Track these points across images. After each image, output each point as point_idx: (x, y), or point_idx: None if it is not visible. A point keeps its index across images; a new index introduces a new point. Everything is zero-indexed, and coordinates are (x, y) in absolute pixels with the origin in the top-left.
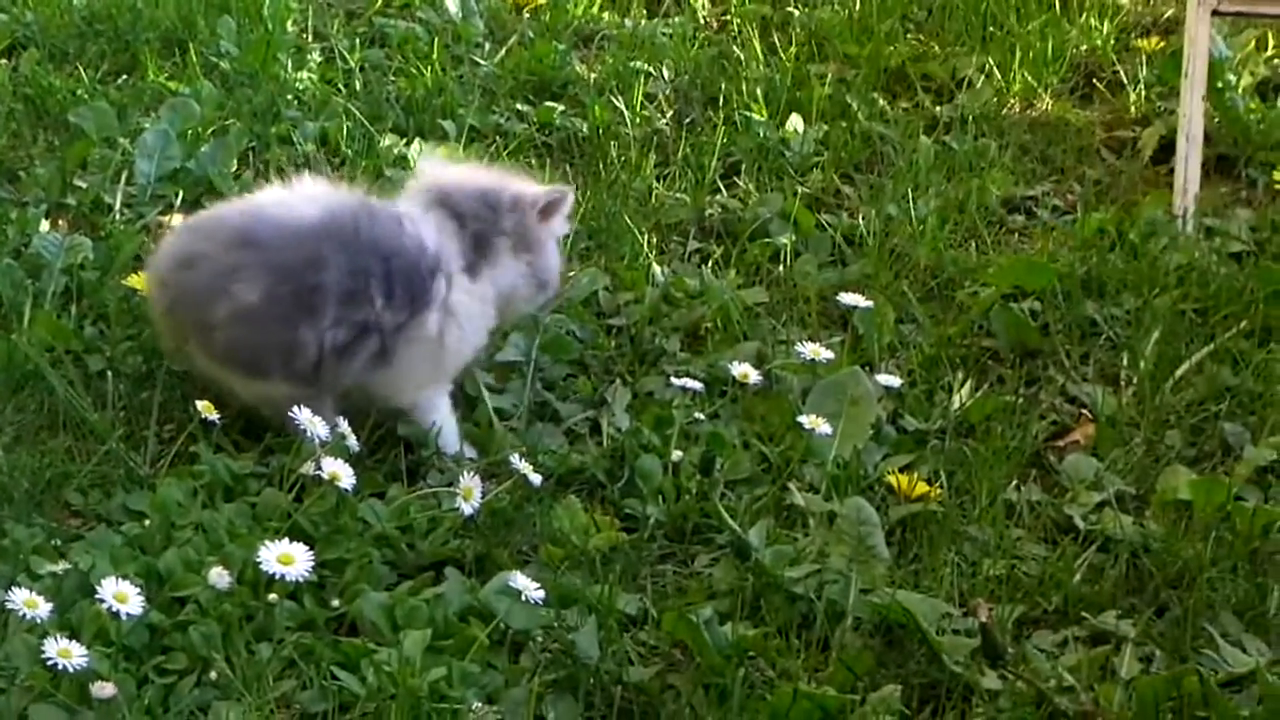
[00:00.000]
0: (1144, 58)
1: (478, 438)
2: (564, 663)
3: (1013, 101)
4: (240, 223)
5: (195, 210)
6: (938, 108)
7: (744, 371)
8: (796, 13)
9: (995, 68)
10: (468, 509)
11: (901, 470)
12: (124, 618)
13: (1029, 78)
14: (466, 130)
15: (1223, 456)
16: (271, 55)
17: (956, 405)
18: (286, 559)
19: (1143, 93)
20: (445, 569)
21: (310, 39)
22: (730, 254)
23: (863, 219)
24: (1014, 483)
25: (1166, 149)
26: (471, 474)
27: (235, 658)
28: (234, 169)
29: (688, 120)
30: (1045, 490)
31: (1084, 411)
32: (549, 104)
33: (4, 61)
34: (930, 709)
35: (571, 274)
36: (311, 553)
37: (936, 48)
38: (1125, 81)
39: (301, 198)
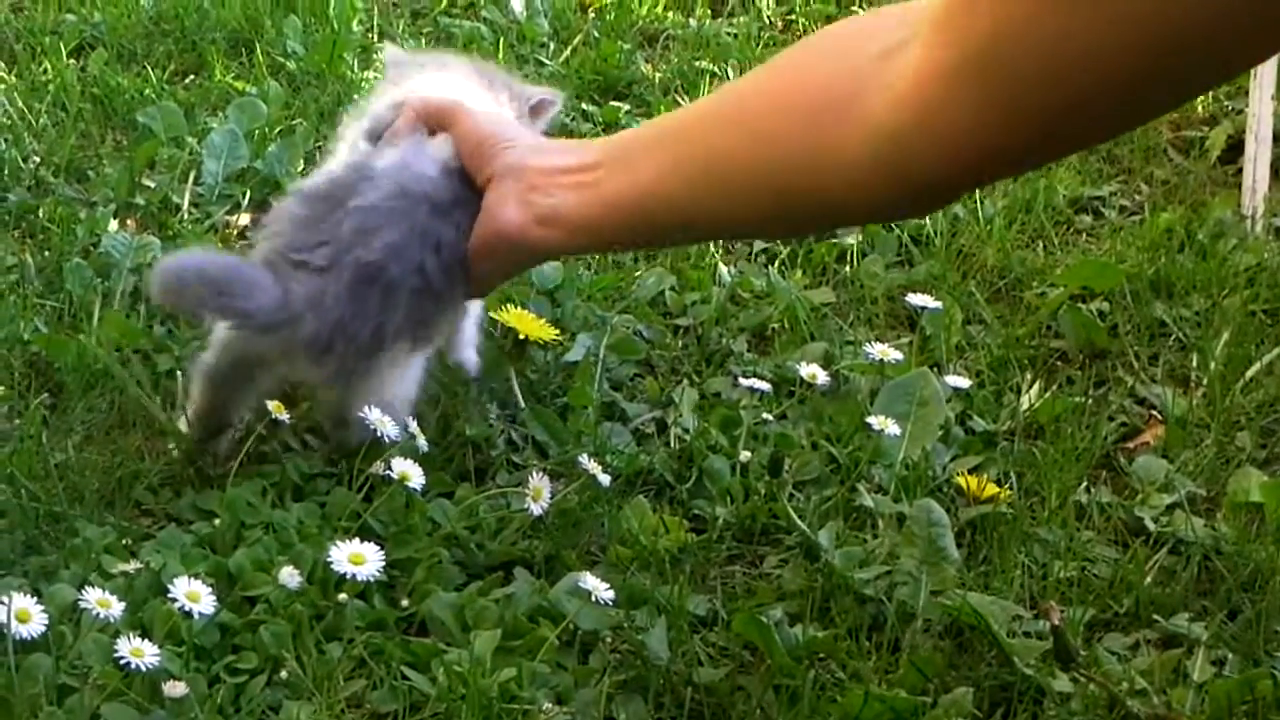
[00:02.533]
0: None
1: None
2: (634, 664)
3: None
4: None
5: (263, 210)
6: None
7: (812, 372)
8: (861, 12)
9: None
10: (536, 509)
11: (970, 471)
12: (196, 617)
13: None
14: None
15: None
16: (338, 55)
17: (1025, 406)
18: (357, 558)
19: (1210, 92)
20: (514, 569)
21: (376, 38)
22: (797, 254)
23: (929, 219)
24: (1084, 484)
25: (1234, 149)
26: (541, 474)
27: (306, 657)
28: (300, 168)
29: None
30: (1115, 492)
31: (1153, 413)
32: (614, 104)
33: (72, 62)
34: (1001, 712)
35: (637, 274)
36: (381, 552)
37: None
38: None
39: None
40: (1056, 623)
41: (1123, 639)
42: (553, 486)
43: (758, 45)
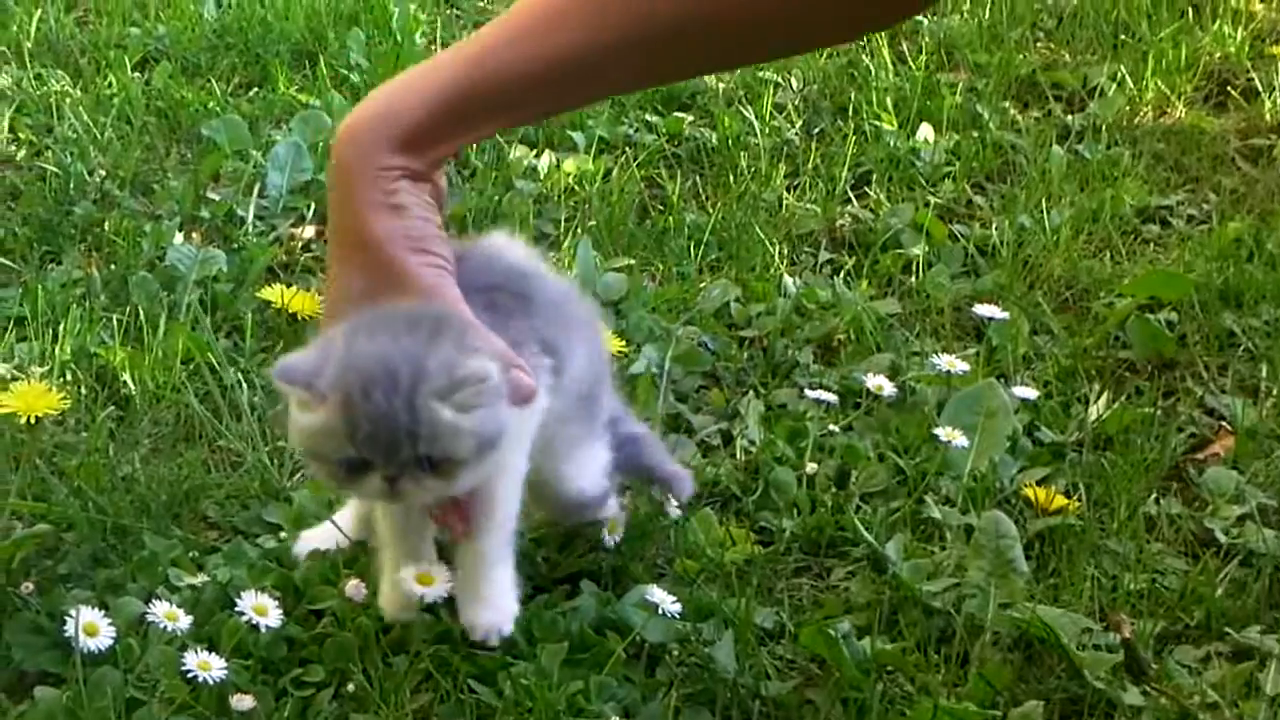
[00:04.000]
0: (1278, 65)
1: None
2: (700, 676)
3: (1145, 110)
4: None
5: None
6: (1069, 116)
7: (878, 383)
8: (925, 21)
9: (1127, 75)
10: (610, 540)
11: (1039, 483)
12: (263, 630)
13: (1161, 85)
14: (596, 141)
15: None
16: (401, 67)
17: (1093, 417)
18: (425, 579)
19: (1278, 100)
20: (581, 582)
21: (439, 50)
22: (862, 265)
23: (995, 229)
24: (1153, 496)
25: None
26: (620, 502)
27: (372, 670)
28: None
29: (817, 130)
30: (1185, 503)
31: (1223, 424)
32: (678, 114)
33: (137, 75)
34: None
35: (702, 285)
36: (449, 571)
37: (1067, 56)
38: (1260, 89)
39: None
40: (1127, 635)
41: (1194, 651)
42: (619, 500)
43: (821, 55)
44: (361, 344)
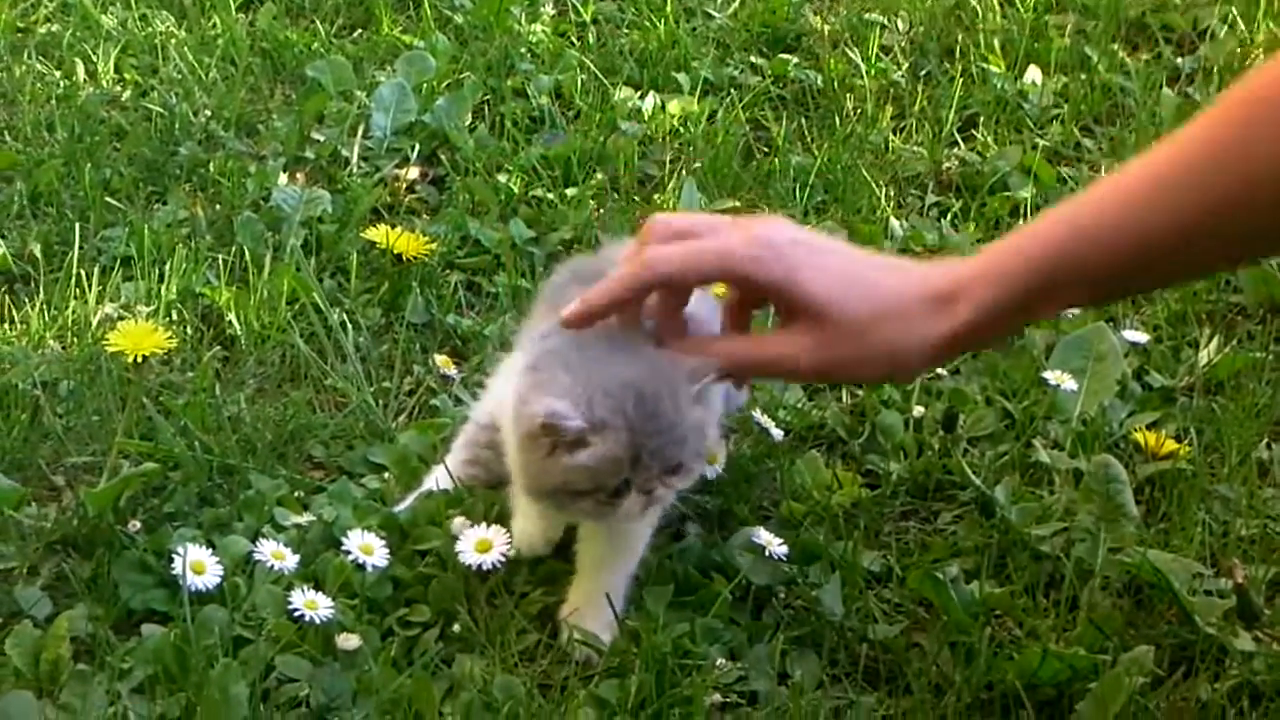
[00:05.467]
0: None
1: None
2: (807, 620)
3: (1257, 52)
4: None
5: (431, 163)
6: (1179, 59)
7: None
8: None
9: (1238, 17)
10: (710, 472)
11: (1148, 427)
12: (369, 570)
13: (1273, 27)
14: (700, 83)
15: None
16: (505, 8)
17: (1204, 362)
18: (484, 545)
19: None
20: (687, 524)
21: None
22: (969, 207)
23: (1104, 172)
24: (1264, 441)
25: None
26: (719, 437)
27: (478, 611)
28: (469, 122)
29: (924, 72)
30: None
31: None
32: (783, 56)
33: (241, 17)
34: (1182, 671)
35: (809, 228)
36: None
37: None
38: None
39: None
40: (1240, 581)
41: None
42: (725, 442)
43: None
44: (606, 370)
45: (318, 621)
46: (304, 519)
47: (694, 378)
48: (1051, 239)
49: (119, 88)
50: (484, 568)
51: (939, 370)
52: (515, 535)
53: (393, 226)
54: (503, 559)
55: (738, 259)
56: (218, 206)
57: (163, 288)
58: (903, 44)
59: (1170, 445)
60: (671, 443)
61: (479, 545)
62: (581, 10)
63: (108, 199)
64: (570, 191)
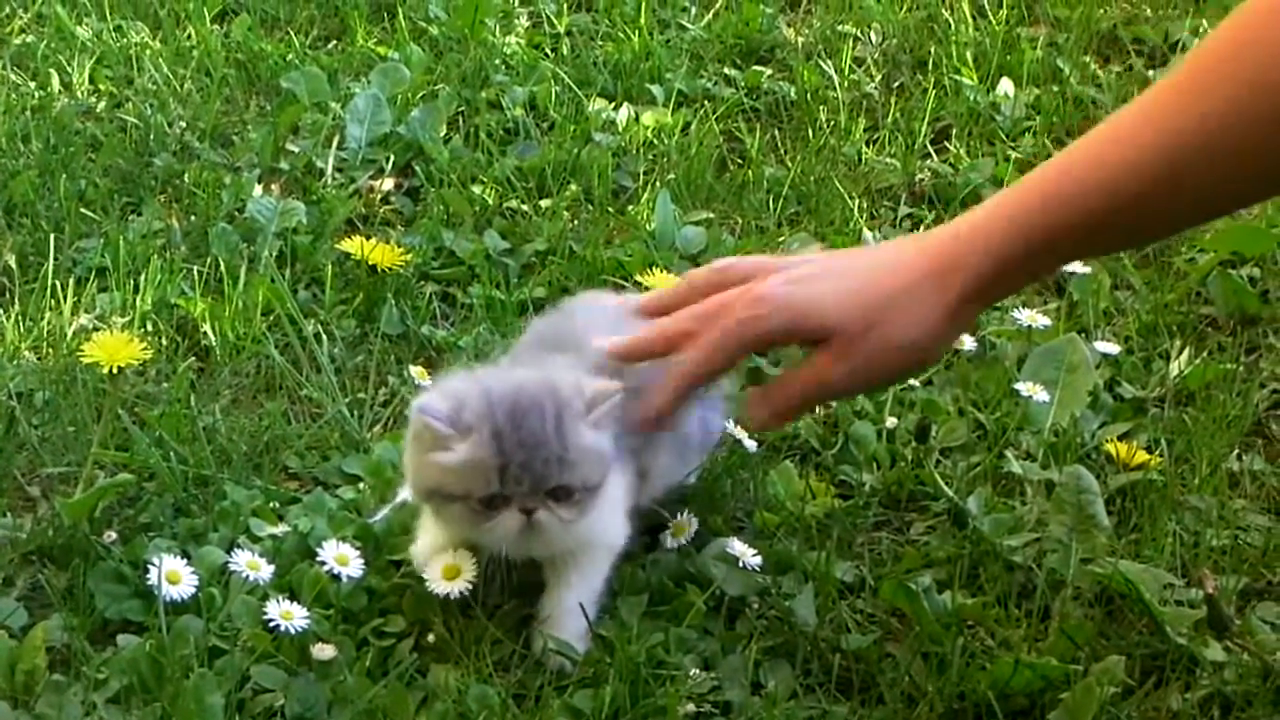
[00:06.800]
0: None
1: None
2: (780, 630)
3: None
4: None
5: (406, 174)
6: (1150, 71)
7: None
8: None
9: (1209, 30)
10: (672, 544)
11: (1120, 438)
12: (344, 580)
13: None
14: (675, 95)
15: None
16: (479, 20)
17: (1175, 373)
18: (451, 571)
19: None
20: (660, 534)
21: (517, 3)
22: (942, 218)
23: None
24: (1235, 452)
25: None
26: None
27: (453, 621)
28: (443, 133)
29: (897, 84)
30: (1268, 460)
31: None
32: (756, 68)
33: (216, 28)
34: (1153, 681)
35: (781, 239)
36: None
37: (1148, 10)
38: None
39: None
40: (1210, 591)
41: (1276, 608)
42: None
43: (901, 8)
44: (498, 380)
45: (293, 632)
46: (279, 529)
47: (592, 403)
48: (1025, 202)
49: (94, 99)
50: (452, 596)
51: (911, 381)
52: (413, 548)
53: (368, 238)
54: (470, 586)
55: (746, 329)
56: (193, 217)
57: (138, 299)
58: (876, 56)
59: (1142, 456)
60: (544, 460)
61: (445, 572)
62: (556, 22)
63: (83, 210)
64: (545, 203)
